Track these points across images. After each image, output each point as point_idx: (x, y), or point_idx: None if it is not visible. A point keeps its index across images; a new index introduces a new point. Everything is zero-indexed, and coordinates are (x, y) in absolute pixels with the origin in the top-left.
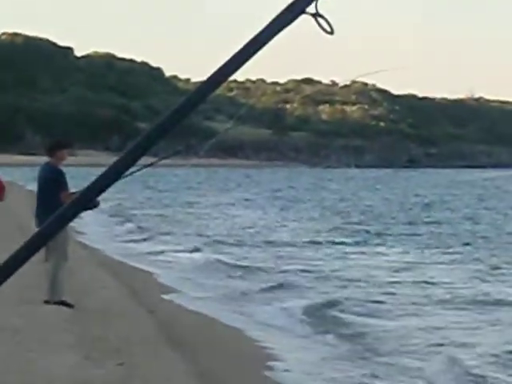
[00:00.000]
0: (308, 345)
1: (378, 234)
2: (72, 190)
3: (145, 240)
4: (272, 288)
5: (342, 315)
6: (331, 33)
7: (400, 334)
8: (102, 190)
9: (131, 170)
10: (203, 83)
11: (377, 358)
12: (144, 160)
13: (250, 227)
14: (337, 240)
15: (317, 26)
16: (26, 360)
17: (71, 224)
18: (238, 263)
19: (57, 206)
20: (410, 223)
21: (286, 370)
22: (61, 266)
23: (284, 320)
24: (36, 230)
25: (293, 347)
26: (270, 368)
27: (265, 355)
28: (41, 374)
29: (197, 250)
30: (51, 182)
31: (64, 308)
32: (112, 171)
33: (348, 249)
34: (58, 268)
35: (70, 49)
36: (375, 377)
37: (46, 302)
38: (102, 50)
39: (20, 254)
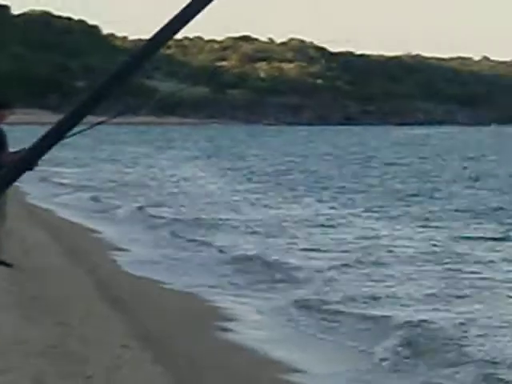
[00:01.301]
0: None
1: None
2: (11, 149)
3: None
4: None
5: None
6: None
7: None
8: (45, 151)
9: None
10: (149, 41)
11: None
12: (85, 120)
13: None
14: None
15: None
16: None
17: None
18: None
19: None
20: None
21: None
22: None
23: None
24: None
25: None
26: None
27: (217, 314)
28: None
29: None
30: None
31: (2, 267)
32: (55, 131)
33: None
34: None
35: (6, 7)
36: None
37: None
38: (39, 8)
39: None
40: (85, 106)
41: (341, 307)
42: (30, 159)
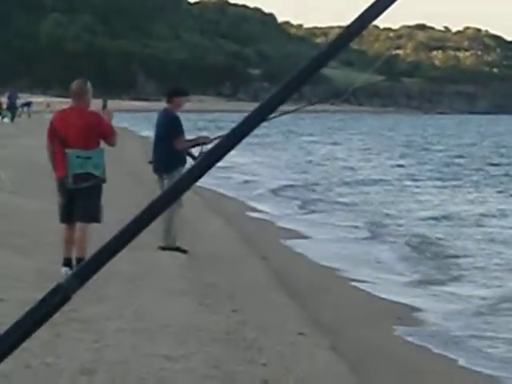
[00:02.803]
0: None
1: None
2: (187, 137)
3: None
4: None
5: None
6: None
7: None
8: (243, 137)
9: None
10: (344, 31)
11: None
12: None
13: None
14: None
15: None
16: (140, 306)
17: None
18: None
19: (172, 153)
20: None
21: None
22: (176, 212)
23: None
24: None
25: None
26: (400, 323)
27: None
28: (156, 320)
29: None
30: (167, 128)
31: (178, 254)
32: (253, 116)
33: None
34: (173, 214)
35: None
36: None
37: (161, 248)
38: None
39: (151, 207)
40: (280, 94)
41: None
42: (229, 145)
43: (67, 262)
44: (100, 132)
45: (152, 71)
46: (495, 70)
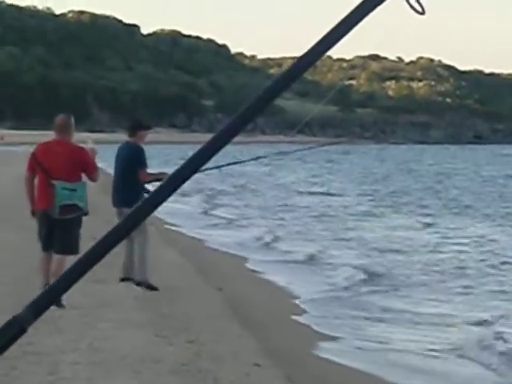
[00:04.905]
0: None
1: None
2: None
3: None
4: None
5: None
6: (423, 13)
7: None
8: (189, 177)
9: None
10: (296, 62)
11: None
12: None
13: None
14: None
15: (407, 5)
16: (96, 338)
17: None
18: None
19: (135, 187)
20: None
21: None
22: (147, 247)
23: None
24: (114, 208)
25: None
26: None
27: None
28: (112, 352)
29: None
30: (132, 161)
31: (134, 286)
32: (200, 155)
33: None
34: (145, 249)
35: (136, 26)
36: None
37: (136, 283)
38: (168, 27)
39: (107, 239)
40: (231, 128)
41: None
42: (181, 179)
43: None
44: (83, 165)
45: (106, 102)
46: (448, 99)
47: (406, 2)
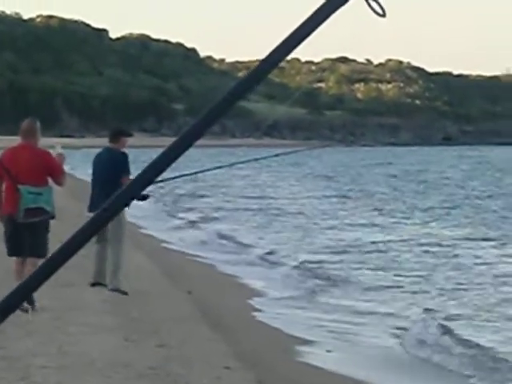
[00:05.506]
0: None
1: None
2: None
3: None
4: None
5: None
6: (383, 15)
7: None
8: (155, 178)
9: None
10: (259, 65)
11: None
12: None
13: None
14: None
15: (368, 7)
16: (66, 342)
17: None
18: None
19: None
20: None
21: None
22: (122, 253)
23: None
24: (87, 214)
25: None
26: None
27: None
28: (81, 356)
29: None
30: (116, 166)
31: (104, 290)
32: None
33: None
34: (120, 256)
35: (104, 31)
36: None
37: (93, 284)
38: (137, 31)
39: (73, 241)
40: (194, 131)
41: None
42: (138, 186)
43: None
44: (49, 170)
45: (75, 107)
46: (417, 101)
47: (366, 5)
